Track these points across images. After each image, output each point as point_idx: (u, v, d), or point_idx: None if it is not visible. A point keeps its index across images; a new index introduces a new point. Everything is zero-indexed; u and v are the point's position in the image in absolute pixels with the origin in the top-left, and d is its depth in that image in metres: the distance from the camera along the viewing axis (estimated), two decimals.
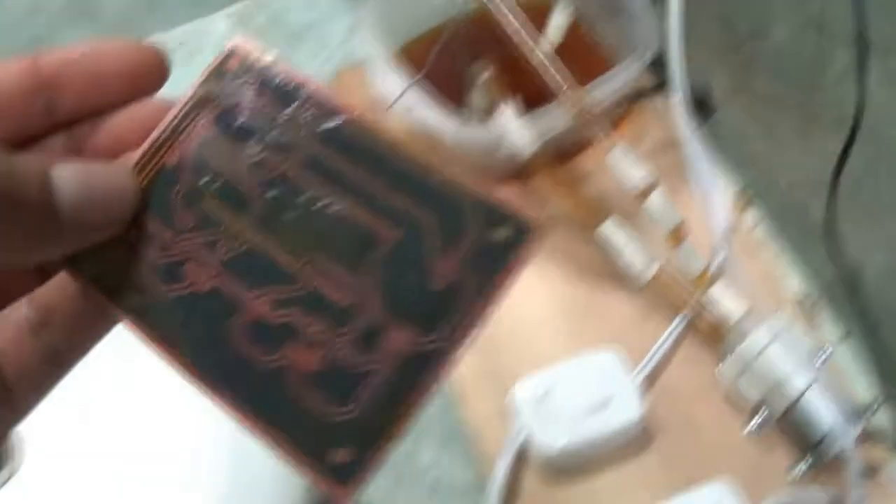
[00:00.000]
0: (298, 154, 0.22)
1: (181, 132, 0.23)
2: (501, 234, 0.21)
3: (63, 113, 0.22)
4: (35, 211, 0.19)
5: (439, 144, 0.49)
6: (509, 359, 0.46)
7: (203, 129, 0.23)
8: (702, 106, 0.50)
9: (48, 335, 0.22)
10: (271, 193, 0.22)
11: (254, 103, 0.23)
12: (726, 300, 0.44)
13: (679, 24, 0.44)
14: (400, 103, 0.48)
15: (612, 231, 0.46)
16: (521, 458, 0.44)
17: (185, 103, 0.23)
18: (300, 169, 0.22)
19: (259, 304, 0.22)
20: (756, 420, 0.43)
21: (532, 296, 0.48)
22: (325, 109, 0.22)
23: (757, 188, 0.50)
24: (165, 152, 0.23)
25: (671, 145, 0.51)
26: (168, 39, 0.60)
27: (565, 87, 0.44)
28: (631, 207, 0.47)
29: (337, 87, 0.56)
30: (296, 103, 0.23)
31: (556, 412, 0.43)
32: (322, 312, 0.21)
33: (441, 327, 0.21)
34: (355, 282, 0.21)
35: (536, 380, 0.44)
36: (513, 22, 0.45)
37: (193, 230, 0.22)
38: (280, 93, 0.23)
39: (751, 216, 0.49)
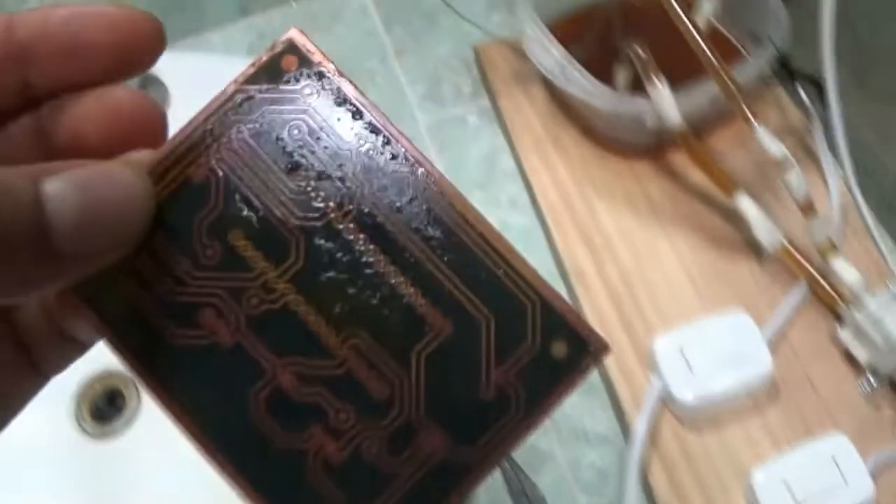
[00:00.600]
0: (358, 205, 0.19)
1: (213, 141, 0.19)
2: (561, 350, 0.19)
3: (37, 91, 0.18)
4: (25, 241, 0.15)
5: (589, 115, 0.53)
6: (646, 315, 0.50)
7: (242, 142, 0.19)
8: (820, 95, 0.55)
9: None
10: (318, 244, 0.19)
11: (314, 122, 0.19)
12: (845, 271, 0.48)
13: (831, 20, 0.48)
14: (555, 75, 0.51)
15: (744, 202, 0.50)
16: (659, 408, 0.48)
17: (223, 102, 0.20)
18: (356, 223, 0.19)
19: (286, 374, 0.19)
20: (869, 379, 0.48)
21: (666, 260, 0.52)
22: (403, 160, 0.19)
23: (867, 174, 0.54)
24: (191, 164, 0.19)
25: (789, 130, 0.56)
26: (311, 4, 0.63)
27: (717, 65, 0.47)
28: (761, 181, 0.51)
29: (478, 62, 0.60)
30: (367, 141, 0.19)
31: (692, 366, 0.47)
32: (356, 401, 0.19)
33: (480, 440, 0.19)
34: (399, 373, 0.19)
35: (673, 335, 0.48)
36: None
37: (218, 270, 0.19)
38: (349, 120, 0.19)
39: (861, 199, 0.53)
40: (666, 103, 0.50)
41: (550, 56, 0.51)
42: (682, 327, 0.48)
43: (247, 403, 0.19)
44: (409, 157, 0.19)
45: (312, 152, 0.19)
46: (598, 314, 0.50)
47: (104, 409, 0.46)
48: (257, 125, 0.19)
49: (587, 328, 0.19)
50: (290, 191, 0.19)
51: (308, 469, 0.19)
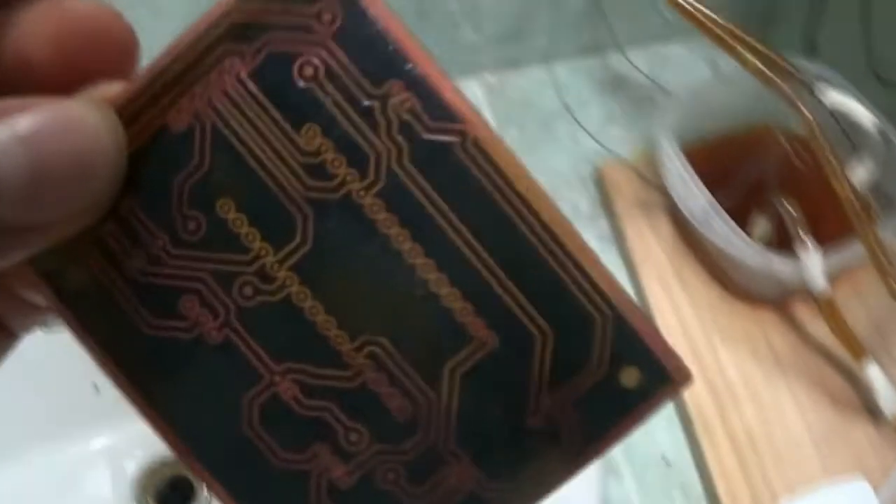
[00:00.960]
0: (387, 176, 0.16)
1: (200, 78, 0.15)
2: (633, 377, 0.16)
3: None
4: None
5: (720, 259, 0.52)
6: (768, 475, 0.49)
7: (237, 83, 0.15)
8: None
9: None
10: (329, 223, 0.16)
11: (327, 58, 0.15)
12: None
13: None
14: (698, 219, 0.50)
15: (873, 370, 0.49)
16: None
17: (214, 25, 0.15)
18: (383, 200, 0.16)
19: (286, 382, 0.16)
20: None
21: (788, 415, 0.51)
22: (437, 109, 0.15)
23: None
24: (169, 106, 0.15)
25: None
26: None
27: (869, 229, 0.47)
28: (879, 337, 0.51)
29: (600, 182, 0.58)
30: (392, 81, 0.15)
31: None
32: (371, 420, 0.16)
33: (518, 475, 0.16)
34: (426, 392, 0.16)
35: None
36: (828, 152, 0.47)
37: (202, 248, 0.16)
38: (373, 53, 0.15)
39: None
40: (814, 267, 0.49)
41: (694, 198, 0.50)
42: (804, 495, 0.47)
43: (238, 412, 0.16)
44: (458, 115, 0.15)
45: (331, 102, 0.15)
46: (722, 469, 0.49)
47: (168, 496, 0.43)
48: (259, 60, 0.15)
49: (668, 352, 0.16)
50: (299, 151, 0.16)
51: (310, 492, 0.16)
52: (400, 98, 0.15)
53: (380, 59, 0.15)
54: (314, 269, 0.16)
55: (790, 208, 0.49)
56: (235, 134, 0.15)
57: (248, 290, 0.16)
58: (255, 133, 0.15)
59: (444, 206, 0.16)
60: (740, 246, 0.50)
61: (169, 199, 0.15)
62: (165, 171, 0.15)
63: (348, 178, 0.16)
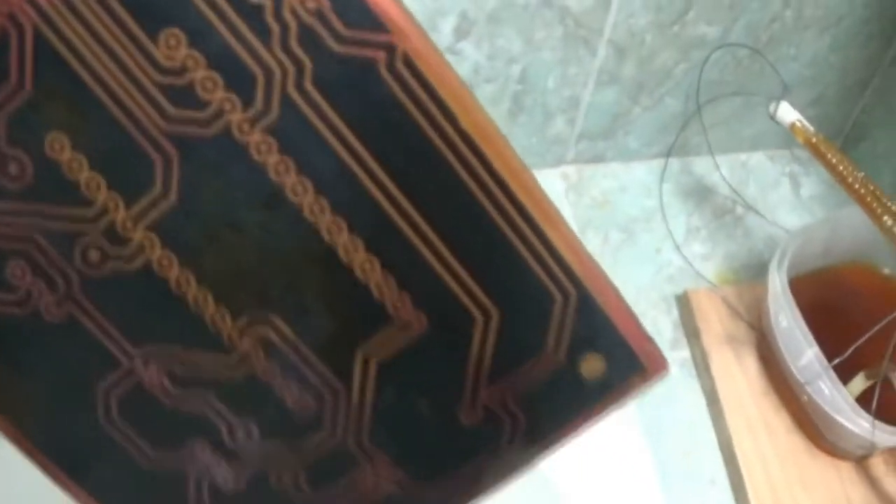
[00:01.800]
0: (270, 95, 0.12)
1: None
2: (595, 366, 0.13)
3: None
4: None
5: (811, 410, 0.50)
6: None
7: None
8: None
9: None
10: (199, 169, 0.12)
11: None
12: None
13: None
14: (806, 378, 0.48)
15: None
16: None
17: None
18: (269, 133, 0.12)
19: (150, 369, 0.13)
20: None
21: None
22: (354, 10, 0.11)
23: None
24: None
25: None
26: None
27: None
28: None
29: (685, 307, 0.56)
30: None
31: None
32: (262, 414, 0.13)
33: (447, 479, 0.13)
34: (333, 383, 0.13)
35: None
36: None
37: (26, 197, 0.12)
38: None
39: None
40: None
41: (802, 352, 0.48)
42: None
43: (93, 403, 0.13)
44: (385, 20, 0.11)
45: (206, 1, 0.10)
46: None
47: None
48: None
49: (640, 336, 0.13)
50: (156, 68, 0.12)
51: (188, 496, 0.13)
52: None
53: None
54: (181, 230, 0.12)
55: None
56: (66, 42, 0.11)
57: (93, 255, 0.12)
58: (93, 41, 0.11)
59: (359, 147, 0.12)
60: (846, 411, 0.48)
61: None
62: None
63: (226, 105, 0.12)
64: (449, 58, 0.49)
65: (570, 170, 0.60)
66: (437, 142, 0.12)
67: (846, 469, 0.53)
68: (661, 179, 0.60)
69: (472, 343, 0.13)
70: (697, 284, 0.56)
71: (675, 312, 0.56)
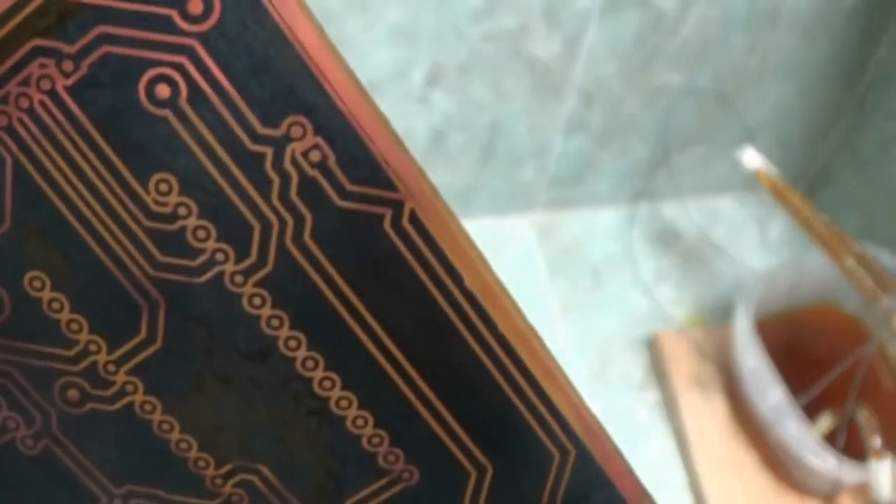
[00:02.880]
0: (266, 248, 0.11)
1: (0, 83, 0.10)
2: None
3: None
4: None
5: (779, 452, 0.51)
6: None
7: (48, 95, 0.10)
8: None
9: None
10: (191, 317, 0.11)
11: (194, 72, 0.10)
12: None
13: None
14: (772, 419, 0.49)
15: None
16: None
17: (12, 3, 0.10)
18: (262, 286, 0.11)
19: None
20: None
21: None
22: (360, 164, 0.11)
23: None
24: None
25: None
26: (470, 230, 0.59)
27: None
28: None
29: (655, 351, 0.57)
30: (295, 117, 0.11)
31: None
32: None
33: None
34: None
35: None
36: None
37: (4, 333, 0.11)
38: (267, 71, 0.10)
39: None
40: (884, 478, 0.48)
41: (768, 393, 0.49)
42: None
43: None
44: (392, 175, 0.11)
45: (196, 141, 0.11)
46: None
47: None
48: (86, 68, 0.10)
49: (639, 495, 0.13)
50: (146, 213, 0.11)
51: None
52: (305, 144, 0.11)
53: (279, 82, 0.10)
54: (166, 377, 0.11)
55: (871, 419, 0.49)
56: (48, 179, 0.11)
57: (73, 395, 0.12)
58: (77, 180, 0.11)
59: (358, 304, 0.11)
60: (813, 449, 0.49)
61: None
62: None
63: (218, 256, 0.11)
64: (419, 107, 0.50)
65: (540, 216, 0.61)
66: (441, 301, 0.11)
67: None
68: (631, 224, 0.61)
69: (465, 496, 0.12)
70: (667, 327, 0.57)
71: (644, 355, 0.56)
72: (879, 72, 0.58)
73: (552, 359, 0.12)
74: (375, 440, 0.12)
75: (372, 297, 0.12)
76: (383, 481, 0.12)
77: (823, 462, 0.49)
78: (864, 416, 0.49)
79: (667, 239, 0.61)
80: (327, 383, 0.12)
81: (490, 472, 0.12)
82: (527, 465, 0.12)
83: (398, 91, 0.49)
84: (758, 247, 0.62)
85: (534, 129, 0.55)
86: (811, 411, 0.50)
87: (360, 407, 0.12)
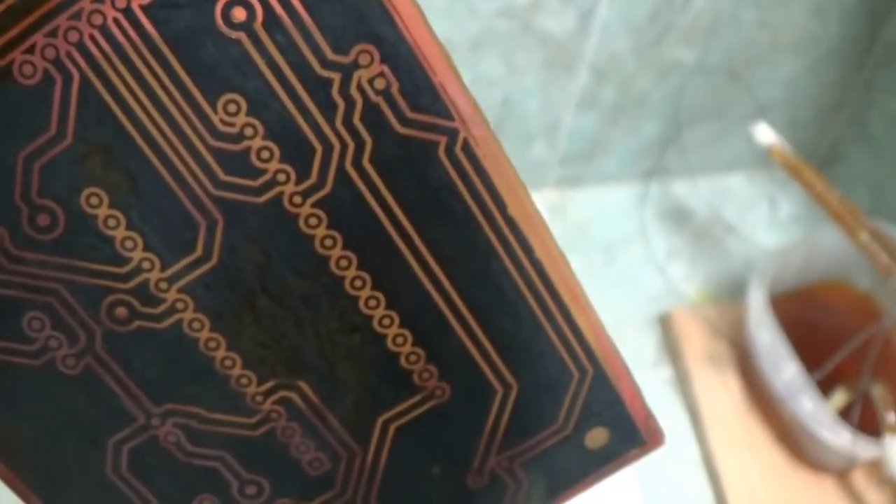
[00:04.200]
0: (327, 169, 0.11)
1: (64, 2, 0.10)
2: (600, 438, 0.14)
3: None
4: None
5: (793, 427, 0.50)
6: None
7: (122, 12, 0.10)
8: None
9: None
10: (243, 235, 0.11)
11: (279, 4, 0.11)
12: None
13: None
14: (786, 395, 0.49)
15: None
16: None
17: None
18: (320, 207, 0.12)
19: (167, 426, 0.12)
20: None
21: None
22: (422, 93, 0.11)
23: None
24: (15, 44, 0.10)
25: None
26: None
27: None
28: None
29: (667, 328, 0.57)
30: (364, 46, 0.11)
31: None
32: (276, 473, 0.13)
33: None
34: (351, 446, 0.13)
35: None
36: None
37: (55, 251, 0.11)
38: (342, 0, 0.11)
39: None
40: None
41: (782, 369, 0.48)
42: None
43: (102, 455, 0.12)
44: (450, 106, 0.12)
45: (268, 65, 0.11)
46: None
47: None
48: None
49: (645, 413, 0.14)
50: (213, 133, 0.11)
51: None
52: (371, 72, 0.11)
53: (352, 11, 0.11)
54: (217, 295, 0.12)
55: (887, 395, 0.48)
56: (116, 96, 0.11)
57: (121, 312, 0.12)
58: (146, 98, 0.11)
59: (409, 226, 0.12)
60: (827, 425, 0.49)
61: (10, 179, 0.11)
62: (6, 141, 0.11)
63: (279, 176, 0.11)
64: None
65: (552, 193, 0.61)
66: (485, 226, 0.12)
67: (828, 483, 0.54)
68: (643, 202, 0.61)
69: (490, 413, 0.13)
70: (679, 304, 0.57)
71: (657, 332, 0.56)
72: (889, 49, 0.58)
73: (578, 284, 0.13)
74: (413, 357, 0.13)
75: (421, 220, 0.12)
76: (417, 398, 0.13)
77: (838, 438, 0.49)
78: (879, 392, 0.48)
79: (678, 216, 0.61)
80: (372, 302, 0.12)
81: (515, 389, 0.13)
82: (548, 383, 0.13)
83: None
84: (769, 224, 0.62)
85: (545, 106, 0.54)
86: (825, 387, 0.50)
87: (401, 325, 0.12)
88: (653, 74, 0.55)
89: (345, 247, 0.12)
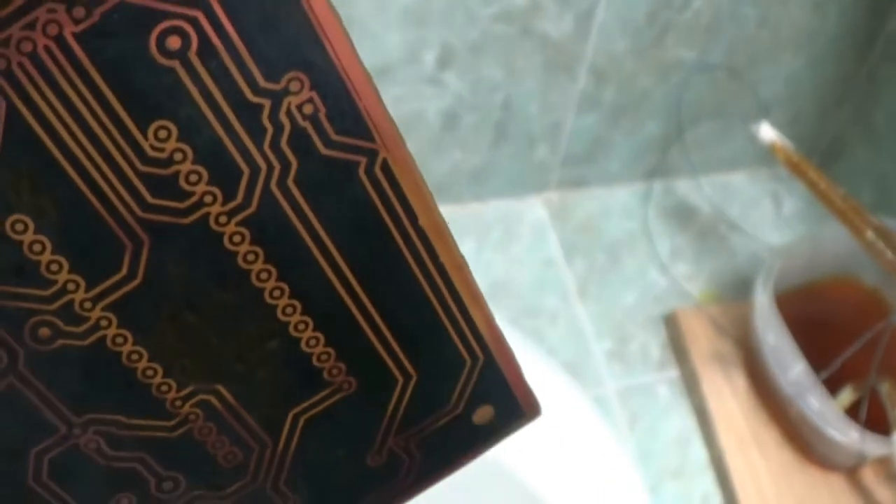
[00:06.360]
0: (252, 190, 0.12)
1: (2, 25, 0.10)
2: (486, 415, 0.15)
3: None
4: None
5: (802, 425, 0.50)
6: None
7: (53, 40, 0.10)
8: None
9: None
10: (169, 255, 0.12)
11: (206, 26, 0.11)
12: None
13: None
14: (795, 394, 0.49)
15: None
16: None
17: None
18: (244, 225, 0.12)
19: (88, 435, 0.12)
20: None
21: None
22: (347, 118, 0.12)
23: None
24: None
25: None
26: (484, 211, 0.59)
27: None
28: None
29: (673, 328, 0.57)
30: (295, 73, 0.11)
31: None
32: (190, 467, 0.13)
33: None
34: (262, 438, 0.13)
35: None
36: None
37: None
38: (276, 30, 0.11)
39: None
40: None
41: (790, 367, 0.48)
42: None
43: (23, 465, 0.12)
44: (373, 129, 0.12)
45: (200, 93, 0.11)
46: None
47: None
48: (98, 16, 0.10)
49: (525, 389, 0.15)
50: (142, 158, 0.11)
51: None
52: (301, 98, 0.12)
53: (285, 40, 0.11)
54: (141, 311, 0.12)
55: (892, 392, 0.49)
56: (44, 123, 0.10)
57: (44, 332, 0.12)
58: (75, 125, 0.11)
59: (326, 239, 0.12)
60: (835, 423, 0.49)
61: None
62: None
63: (206, 198, 0.12)
64: (432, 88, 0.50)
65: (554, 195, 0.61)
66: (397, 237, 0.13)
67: (837, 480, 0.54)
68: (646, 202, 0.61)
69: (391, 401, 0.14)
70: (684, 304, 0.56)
71: (662, 333, 0.56)
72: (890, 44, 0.58)
73: (475, 282, 0.14)
74: (324, 357, 0.13)
75: (338, 233, 0.13)
76: (326, 391, 0.13)
77: (846, 436, 0.49)
78: (886, 389, 0.48)
79: (682, 216, 0.61)
80: (289, 309, 0.13)
81: (415, 378, 0.14)
82: (444, 370, 0.14)
83: (410, 73, 0.49)
84: (772, 221, 0.62)
85: (546, 108, 0.54)
86: (832, 385, 0.50)
87: (315, 329, 0.13)
88: (653, 74, 0.55)
89: (266, 261, 0.12)
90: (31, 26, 0.11)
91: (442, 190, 0.57)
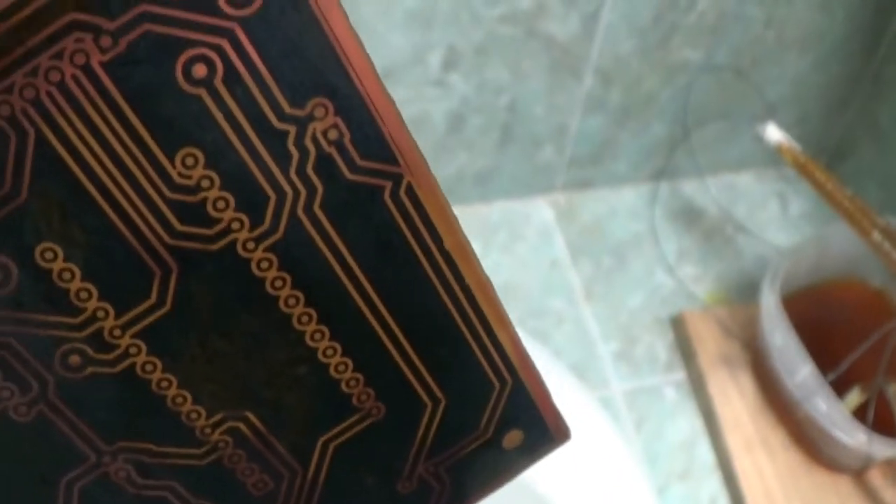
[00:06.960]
0: (279, 216, 0.12)
1: (23, 58, 0.10)
2: (515, 439, 0.14)
3: None
4: None
5: (809, 427, 0.50)
6: None
7: (82, 69, 0.10)
8: None
9: None
10: (197, 282, 0.12)
11: (232, 54, 0.11)
12: None
13: None
14: (801, 396, 0.49)
15: None
16: None
17: None
18: (272, 251, 0.12)
19: (118, 463, 0.12)
20: None
21: None
22: (371, 143, 0.12)
23: None
24: None
25: None
26: (490, 213, 0.59)
27: None
28: None
29: (680, 330, 0.57)
30: (320, 100, 0.11)
31: None
32: (220, 494, 0.13)
33: None
34: (293, 466, 0.13)
35: None
36: None
37: (8, 306, 0.11)
38: (300, 57, 0.11)
39: None
40: None
41: (797, 370, 0.48)
42: None
43: (53, 494, 0.12)
44: (397, 154, 0.12)
45: (226, 120, 0.11)
46: None
47: None
48: (125, 45, 0.10)
49: (554, 414, 0.14)
50: (170, 185, 0.11)
51: None
52: (325, 124, 0.12)
53: (309, 66, 0.11)
54: (170, 337, 0.12)
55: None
56: (72, 152, 0.11)
57: (74, 360, 0.12)
58: (103, 154, 0.11)
59: (353, 263, 0.12)
60: (843, 425, 0.48)
61: None
62: None
63: (234, 224, 0.12)
64: (437, 90, 0.50)
65: (560, 197, 0.61)
66: (423, 261, 0.12)
67: (844, 483, 0.54)
68: (652, 203, 0.61)
69: (420, 426, 0.14)
70: (691, 306, 0.56)
71: (669, 334, 0.56)
72: (895, 44, 0.58)
73: (500, 303, 0.14)
74: (353, 382, 0.13)
75: (365, 258, 0.13)
76: (355, 417, 0.13)
77: (853, 438, 0.48)
78: (894, 391, 0.48)
79: (688, 217, 0.61)
80: (318, 335, 0.13)
81: (444, 403, 0.14)
82: (472, 395, 0.14)
83: (416, 75, 0.49)
84: (779, 222, 0.62)
85: (552, 110, 0.54)
86: (839, 387, 0.50)
87: (343, 354, 0.13)
88: (659, 75, 0.55)
89: (294, 286, 0.12)
90: (58, 56, 0.11)
91: (448, 192, 0.56)
